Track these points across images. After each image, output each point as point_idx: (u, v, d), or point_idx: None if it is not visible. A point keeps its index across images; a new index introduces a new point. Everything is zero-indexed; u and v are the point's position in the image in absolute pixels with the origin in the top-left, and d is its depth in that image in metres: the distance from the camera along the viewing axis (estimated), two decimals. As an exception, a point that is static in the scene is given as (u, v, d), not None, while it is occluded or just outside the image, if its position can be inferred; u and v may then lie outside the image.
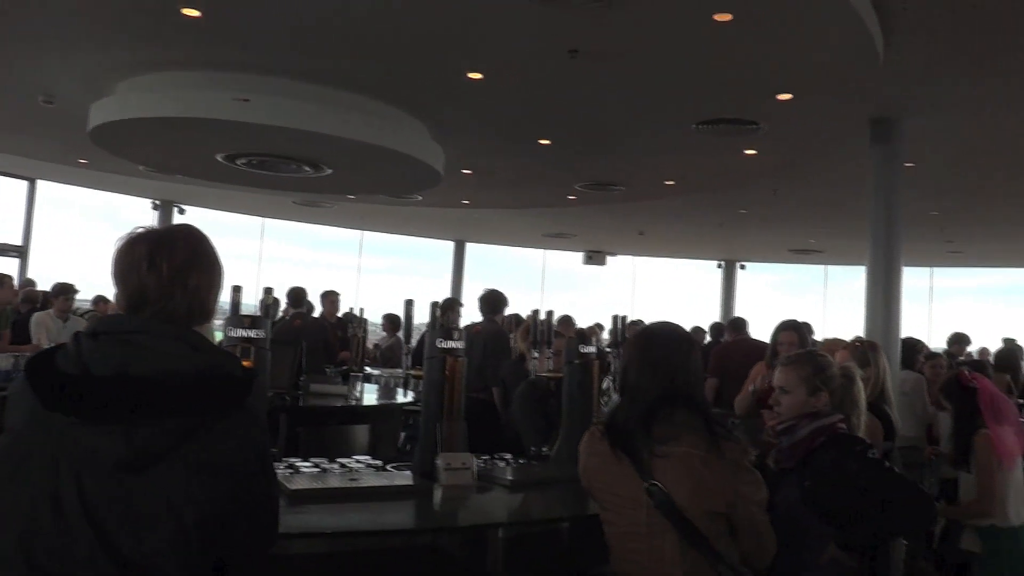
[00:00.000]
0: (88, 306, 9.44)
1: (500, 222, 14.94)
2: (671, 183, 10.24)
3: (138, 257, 1.52)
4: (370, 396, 6.26)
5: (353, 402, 5.74)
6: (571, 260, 18.46)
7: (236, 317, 2.71)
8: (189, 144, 7.80)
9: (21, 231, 13.11)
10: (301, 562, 2.32)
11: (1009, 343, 8.93)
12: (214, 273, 1.60)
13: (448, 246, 18.20)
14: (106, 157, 9.12)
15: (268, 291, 3.94)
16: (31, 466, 1.40)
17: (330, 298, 8.58)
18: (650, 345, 2.38)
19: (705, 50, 5.49)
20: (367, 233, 17.70)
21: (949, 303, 18.72)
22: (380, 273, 19.63)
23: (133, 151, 8.68)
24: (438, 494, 2.85)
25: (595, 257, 17.76)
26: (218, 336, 2.94)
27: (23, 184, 13.05)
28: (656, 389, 2.26)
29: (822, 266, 18.51)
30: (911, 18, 5.13)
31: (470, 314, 6.83)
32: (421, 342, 4.29)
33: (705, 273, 18.86)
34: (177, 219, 14.74)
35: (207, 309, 1.58)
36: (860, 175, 7.90)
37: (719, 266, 18.54)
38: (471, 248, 18.29)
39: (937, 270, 17.97)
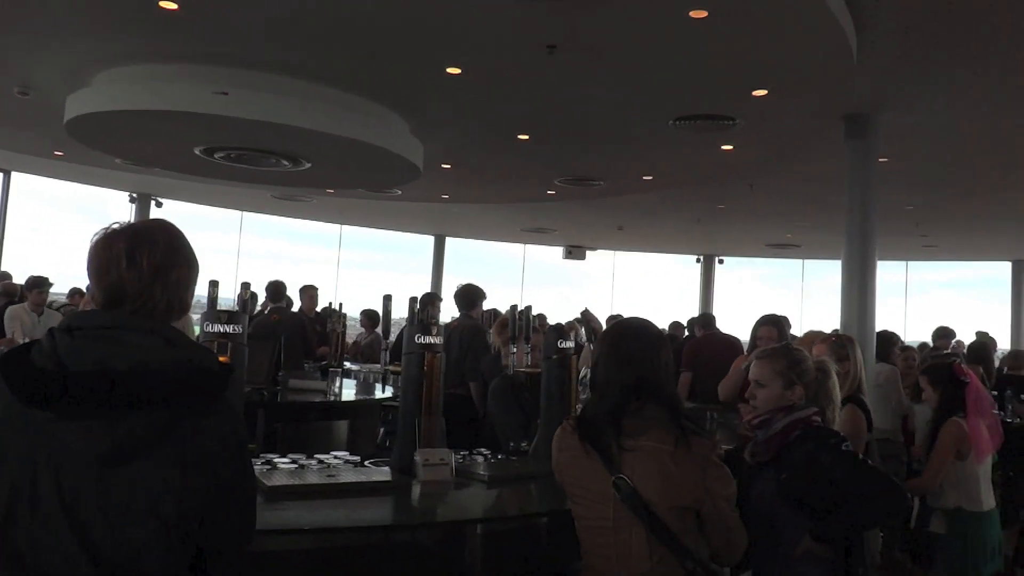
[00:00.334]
0: (64, 299, 9.34)
1: (480, 217, 14.93)
2: (649, 178, 10.28)
3: (116, 253, 1.52)
4: (349, 392, 6.24)
5: (332, 398, 5.72)
6: (551, 255, 18.50)
7: (213, 312, 2.70)
8: (167, 137, 7.72)
9: (-5, 223, 12.93)
10: (279, 559, 2.32)
11: (982, 336, 9.07)
12: (192, 268, 1.61)
13: (428, 240, 18.17)
14: (82, 149, 9.01)
15: (246, 286, 3.93)
16: (8, 462, 1.40)
17: (309, 293, 8.55)
18: (619, 340, 2.40)
19: (682, 46, 5.52)
20: (346, 227, 17.63)
21: (924, 297, 18.98)
22: (359, 267, 19.58)
23: (110, 144, 8.58)
24: (416, 490, 2.86)
25: (575, 252, 17.80)
26: (196, 331, 2.93)
27: (-3, 176, 12.89)
28: (625, 384, 2.27)
29: (799, 260, 18.67)
30: (884, 15, 5.18)
31: (451, 308, 6.83)
32: (400, 337, 4.29)
33: (684, 268, 18.98)
34: (154, 212, 14.60)
35: (184, 304, 1.59)
36: (836, 170, 7.97)
37: (698, 260, 18.65)
38: (451, 243, 18.27)
39: (912, 264, 18.19)
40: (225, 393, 1.55)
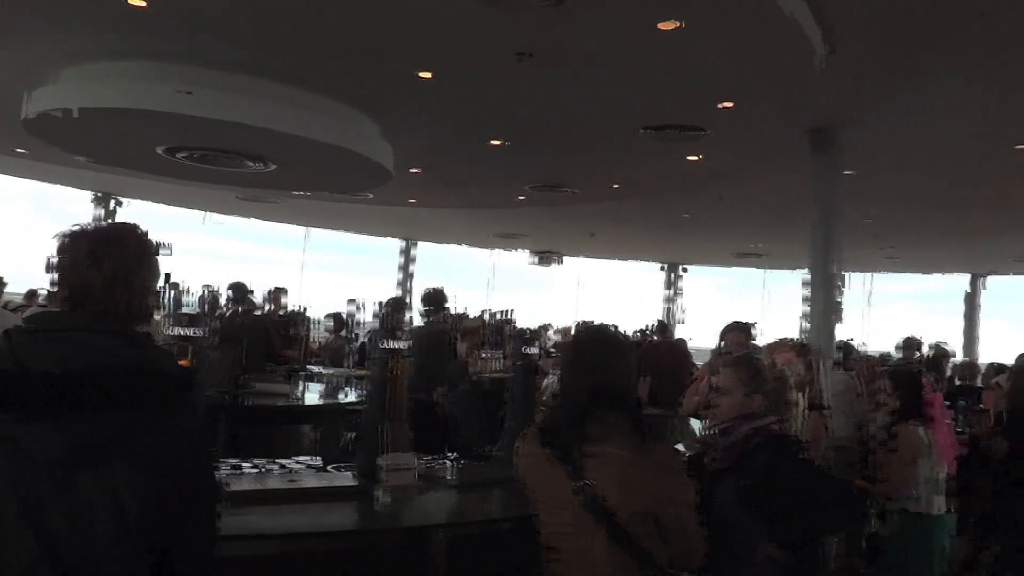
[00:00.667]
0: (20, 300, 9.15)
1: (449, 221, 14.90)
2: (617, 186, 10.35)
3: (80, 254, 1.52)
4: (313, 395, 6.20)
5: (296, 401, 5.67)
6: (520, 260, 18.54)
7: (175, 315, 2.67)
8: (129, 136, 7.60)
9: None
10: (241, 564, 2.29)
11: (939, 348, 9.28)
12: (154, 272, 1.62)
13: (396, 244, 18.08)
14: (44, 147, 8.84)
15: (209, 288, 3.90)
16: None
17: (276, 295, 8.46)
18: (581, 348, 2.42)
19: (651, 57, 5.58)
20: (312, 229, 17.47)
21: (885, 307, 19.34)
22: (326, 270, 19.44)
23: (71, 141, 8.42)
24: (380, 495, 2.85)
25: (544, 258, 17.86)
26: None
27: (-47, 173, 12.57)
28: (588, 390, 2.29)
29: (762, 270, 18.92)
30: (850, 34, 5.29)
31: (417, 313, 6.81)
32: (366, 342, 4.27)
33: (649, 275, 19.15)
34: (118, 212, 14.36)
35: (146, 308, 1.59)
36: (802, 183, 8.11)
37: (662, 268, 18.82)
38: (419, 247, 18.21)
39: (875, 275, 18.52)
40: (187, 395, 1.54)
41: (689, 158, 8.43)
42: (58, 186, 13.87)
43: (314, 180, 9.90)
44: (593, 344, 2.43)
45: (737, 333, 4.81)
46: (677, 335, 13.93)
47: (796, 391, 3.00)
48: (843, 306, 7.57)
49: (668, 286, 18.77)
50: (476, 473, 3.32)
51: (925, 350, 10.11)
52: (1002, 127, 7.15)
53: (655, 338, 8.41)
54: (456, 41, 5.55)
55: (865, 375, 6.23)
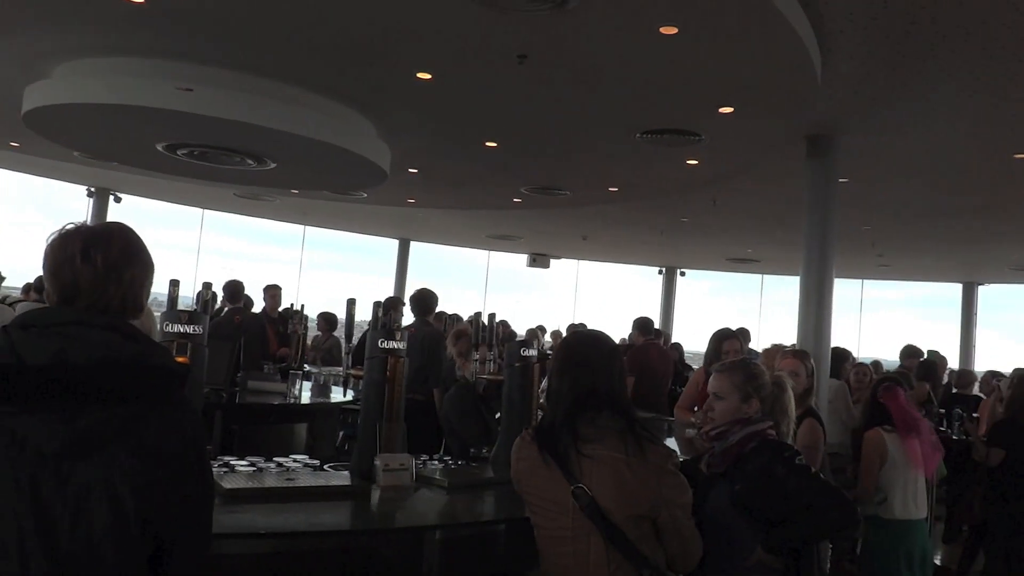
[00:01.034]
0: (18, 294, 9.12)
1: (445, 222, 14.91)
2: (615, 190, 10.37)
3: (72, 251, 1.53)
4: (309, 394, 6.20)
5: (291, 400, 5.67)
6: (515, 262, 18.55)
7: (173, 312, 2.67)
8: (128, 132, 7.59)
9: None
10: (235, 562, 2.30)
11: (932, 355, 9.31)
12: (147, 268, 1.63)
13: (392, 244, 18.09)
14: (40, 141, 8.82)
15: (207, 285, 3.90)
16: None
17: (272, 292, 8.45)
18: (571, 351, 2.44)
19: (651, 61, 5.60)
20: (310, 228, 17.47)
21: (877, 314, 19.42)
22: (322, 269, 19.43)
23: (69, 137, 8.42)
24: (375, 495, 2.85)
25: (539, 260, 17.88)
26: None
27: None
28: (577, 392, 2.30)
29: (759, 275, 18.98)
30: (847, 42, 5.32)
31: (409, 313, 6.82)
32: (362, 341, 4.28)
33: (646, 279, 19.17)
34: (113, 207, 14.33)
35: (139, 304, 1.61)
36: (797, 189, 8.14)
37: (660, 272, 18.85)
38: (415, 247, 18.21)
39: (867, 282, 18.59)
40: (183, 390, 1.57)
41: (688, 162, 8.45)
42: (58, 182, 13.83)
43: (312, 179, 9.90)
44: (580, 346, 2.45)
45: (734, 340, 4.85)
46: (672, 339, 14.00)
47: (793, 397, 3.01)
48: (835, 313, 7.61)
49: (665, 289, 18.80)
50: (471, 474, 3.32)
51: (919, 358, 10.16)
52: (999, 136, 7.19)
53: (636, 340, 8.46)
54: (456, 43, 5.56)
55: (853, 382, 6.28)
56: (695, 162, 8.44)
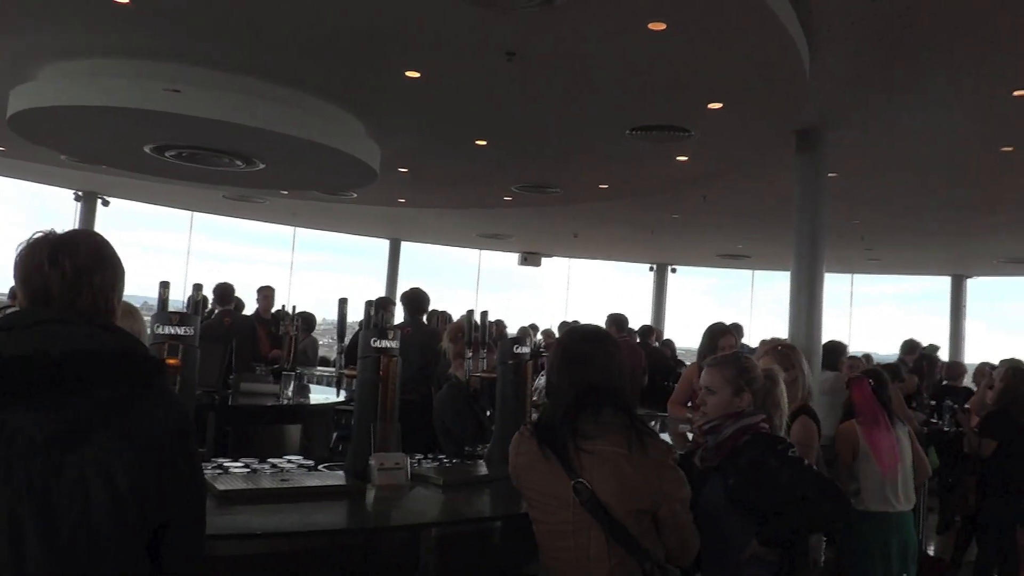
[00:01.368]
0: (4, 299, 9.05)
1: (436, 221, 14.89)
2: (605, 187, 10.38)
3: (40, 258, 1.56)
4: (300, 395, 6.18)
5: (284, 401, 5.66)
6: (507, 260, 18.54)
7: (164, 314, 2.66)
8: (115, 135, 7.55)
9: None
10: (231, 564, 2.29)
11: (929, 349, 9.39)
12: (117, 272, 1.64)
13: (383, 244, 18.05)
14: (25, 145, 8.76)
15: (198, 287, 3.89)
16: None
17: (264, 293, 8.43)
18: (569, 346, 2.43)
19: (640, 57, 5.60)
20: (300, 229, 17.42)
21: (868, 308, 19.52)
22: (313, 270, 19.38)
23: (55, 140, 8.36)
24: (371, 494, 2.85)
25: (530, 258, 17.88)
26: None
27: (-66, 171, 12.42)
28: (577, 387, 2.30)
29: (749, 271, 19.03)
30: (836, 37, 5.34)
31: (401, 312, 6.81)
32: (354, 341, 4.28)
33: (638, 276, 19.20)
34: (101, 211, 14.24)
35: (111, 307, 1.63)
36: (786, 185, 8.17)
37: (651, 269, 18.88)
38: (406, 247, 18.19)
39: (857, 276, 18.67)
40: (164, 379, 1.62)
41: (678, 158, 8.47)
42: (41, 185, 13.73)
43: (301, 179, 9.87)
44: (579, 342, 2.44)
45: (730, 336, 4.91)
46: (664, 336, 14.01)
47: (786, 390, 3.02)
48: (825, 307, 7.65)
49: (656, 286, 18.83)
50: (466, 472, 3.32)
51: (886, 349, 10.23)
52: (987, 129, 7.23)
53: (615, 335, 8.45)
54: (444, 41, 5.55)
55: (845, 375, 6.31)
56: (685, 158, 8.46)
